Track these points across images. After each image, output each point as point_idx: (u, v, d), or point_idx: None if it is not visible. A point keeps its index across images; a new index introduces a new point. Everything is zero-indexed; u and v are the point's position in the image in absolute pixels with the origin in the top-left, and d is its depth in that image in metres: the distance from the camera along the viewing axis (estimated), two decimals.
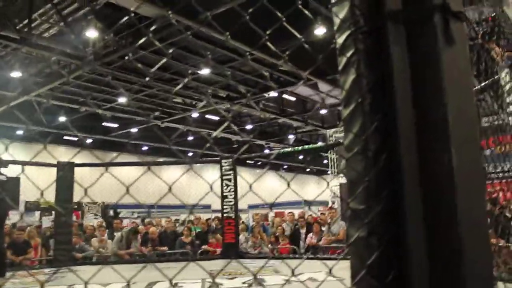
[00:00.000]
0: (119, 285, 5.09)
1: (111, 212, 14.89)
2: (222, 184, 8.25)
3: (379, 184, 0.97)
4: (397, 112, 0.96)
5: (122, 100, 17.89)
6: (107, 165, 10.36)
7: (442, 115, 0.94)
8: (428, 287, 0.93)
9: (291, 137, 24.75)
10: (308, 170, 34.25)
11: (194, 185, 21.67)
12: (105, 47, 13.18)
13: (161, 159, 25.01)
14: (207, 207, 18.77)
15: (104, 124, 20.72)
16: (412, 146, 0.97)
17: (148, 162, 19.51)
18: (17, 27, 11.55)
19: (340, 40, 1.05)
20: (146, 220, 12.38)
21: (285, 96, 19.18)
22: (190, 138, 24.11)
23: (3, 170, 6.75)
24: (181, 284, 5.10)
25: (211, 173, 22.14)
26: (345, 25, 1.04)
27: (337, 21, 1.06)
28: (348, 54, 1.03)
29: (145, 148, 24.74)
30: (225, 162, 8.27)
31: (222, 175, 8.27)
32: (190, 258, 8.30)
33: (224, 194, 8.18)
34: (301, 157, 29.94)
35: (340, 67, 1.05)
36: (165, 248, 9.00)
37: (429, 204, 0.95)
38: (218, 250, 8.72)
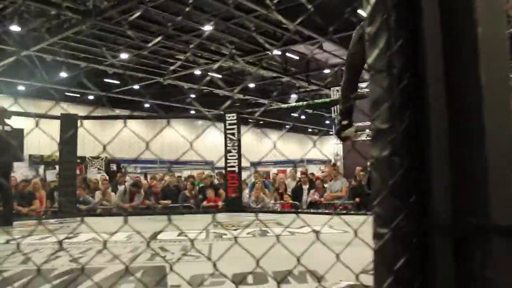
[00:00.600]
0: (125, 234, 5.18)
1: (114, 167, 15.00)
2: (225, 139, 8.27)
3: (403, 102, 0.95)
4: (423, 31, 0.93)
5: (124, 56, 17.70)
6: (111, 118, 10.36)
7: (472, 35, 0.91)
8: (450, 209, 0.92)
9: (294, 96, 24.62)
10: (310, 130, 34.24)
11: (199, 142, 21.70)
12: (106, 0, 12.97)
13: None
14: (210, 163, 18.90)
15: (106, 80, 20.58)
16: (439, 65, 0.94)
17: (151, 115, 19.45)
18: None
19: (370, 5, 1.01)
20: (150, 175, 12.47)
21: (288, 54, 18.95)
22: (193, 96, 23.99)
23: (7, 121, 6.76)
24: (186, 233, 5.16)
25: (214, 131, 22.18)
26: None
27: None
28: (378, 19, 0.99)
29: (147, 105, 24.64)
30: (229, 117, 8.26)
31: (225, 130, 8.27)
32: (195, 211, 8.42)
33: (228, 148, 8.21)
34: (303, 117, 29.89)
35: (370, 30, 1.01)
36: (168, 201, 9.11)
37: (455, 125, 0.93)
38: (220, 204, 8.82)
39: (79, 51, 17.36)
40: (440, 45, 0.96)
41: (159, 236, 5.02)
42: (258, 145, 27.67)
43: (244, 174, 15.39)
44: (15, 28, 14.15)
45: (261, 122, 31.19)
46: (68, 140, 7.97)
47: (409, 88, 0.95)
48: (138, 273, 3.19)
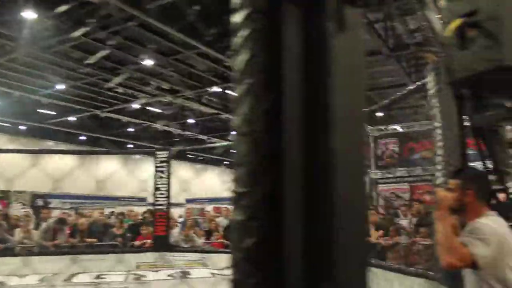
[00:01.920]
0: (37, 277, 4.90)
1: (41, 202, 14.32)
2: (155, 176, 8.13)
3: (262, 167, 0.95)
4: (284, 95, 0.95)
5: (60, 87, 17.23)
6: (32, 152, 9.94)
7: (328, 100, 0.94)
8: (302, 275, 0.93)
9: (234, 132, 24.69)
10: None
11: (131, 178, 21.21)
12: (44, 30, 12.67)
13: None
14: (143, 199, 18.44)
15: (40, 110, 19.89)
16: (298, 130, 0.96)
17: (79, 150, 18.84)
18: None
19: (237, 19, 1.03)
20: (75, 212, 12.00)
21: (228, 91, 19.13)
22: (131, 129, 23.62)
23: None
24: (104, 275, 4.96)
25: (149, 166, 21.74)
26: (241, 5, 1.02)
27: (233, 1, 1.04)
28: (243, 34, 1.01)
29: (82, 137, 23.98)
30: (160, 154, 8.15)
31: (156, 167, 8.15)
32: (120, 250, 8.12)
33: (157, 186, 8.07)
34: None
35: (234, 47, 1.03)
36: (94, 240, 8.74)
37: (309, 193, 0.95)
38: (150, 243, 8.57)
39: (13, 79, 16.75)
40: (301, 112, 0.98)
41: (74, 279, 4.80)
42: (196, 181, 27.40)
43: (180, 211, 15.16)
44: None
45: (201, 158, 31.06)
46: None
47: (270, 154, 0.96)
48: None
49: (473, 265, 2.13)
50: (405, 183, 11.35)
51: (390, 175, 11.54)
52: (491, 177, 1.49)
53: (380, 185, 11.25)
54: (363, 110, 1.01)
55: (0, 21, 12.10)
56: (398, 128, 12.79)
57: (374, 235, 7.54)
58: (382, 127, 12.14)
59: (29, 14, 11.30)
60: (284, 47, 0.97)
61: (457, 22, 1.43)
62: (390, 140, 11.79)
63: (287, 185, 0.93)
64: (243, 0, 1.02)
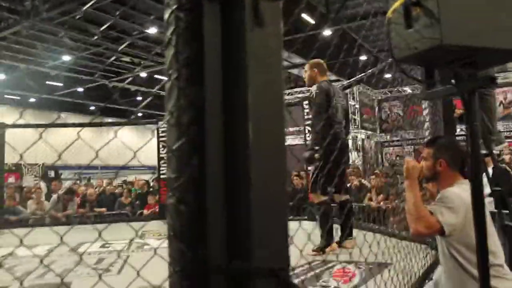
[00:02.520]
0: (46, 247, 5.11)
1: (52, 174, 14.63)
2: (158, 146, 8.28)
3: (189, 154, 1.04)
4: (205, 89, 1.03)
5: (67, 58, 17.31)
6: (41, 126, 10.13)
7: (243, 93, 1.02)
8: (225, 254, 1.03)
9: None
10: None
11: (145, 146, 21.42)
12: (46, 1, 12.68)
13: (109, 119, 24.59)
14: (153, 167, 18.67)
15: (49, 82, 20.05)
16: (219, 121, 1.04)
17: (89, 123, 19.03)
18: None
19: (165, 16, 1.10)
20: (84, 182, 12.27)
21: None
22: (139, 98, 23.75)
23: None
24: (109, 244, 5.16)
25: None
26: (169, 2, 1.09)
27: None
28: (169, 31, 1.08)
29: (92, 107, 24.18)
30: (162, 124, 8.27)
31: (158, 137, 8.28)
32: (128, 219, 8.36)
33: (161, 155, 8.21)
34: None
35: (164, 43, 1.10)
36: (103, 209, 9.00)
37: (229, 177, 1.04)
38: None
39: (19, 53, 16.86)
40: (221, 104, 1.06)
41: (80, 249, 4.99)
42: None
43: None
44: None
45: None
46: None
47: (195, 141, 1.04)
48: None
49: (441, 232, 2.22)
50: (410, 146, 11.36)
51: (395, 138, 11.55)
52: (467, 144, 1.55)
53: (385, 149, 11.28)
54: (280, 101, 1.09)
55: None
56: (408, 89, 12.68)
57: (376, 199, 7.65)
58: (386, 90, 12.08)
59: None
60: (205, 43, 1.04)
61: (401, 0, 1.48)
62: (394, 103, 11.75)
63: (208, 172, 1.02)
64: None
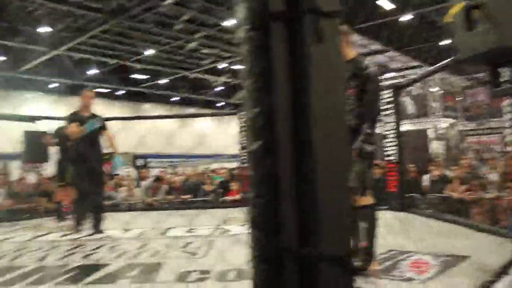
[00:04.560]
0: (138, 230, 5.57)
1: (141, 162, 15.52)
2: (240, 136, 8.57)
3: (263, 155, 1.21)
4: (276, 97, 1.20)
5: (149, 52, 18.15)
6: (137, 118, 10.80)
7: (308, 100, 1.17)
8: (296, 239, 1.20)
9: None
10: None
11: (223, 135, 22.03)
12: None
13: (191, 110, 25.50)
14: (235, 156, 19.15)
15: (133, 76, 21.15)
16: (288, 125, 1.21)
17: (176, 115, 19.88)
18: None
19: (239, 35, 1.28)
20: (171, 170, 12.92)
21: None
22: (220, 88, 24.36)
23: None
24: (195, 229, 5.50)
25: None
26: (242, 22, 1.26)
27: (237, 19, 1.28)
28: (244, 48, 1.26)
29: (175, 99, 25.15)
30: (242, 114, 8.53)
31: (240, 127, 8.56)
32: (211, 206, 8.76)
33: (243, 146, 8.50)
34: None
35: (238, 58, 1.29)
36: (188, 196, 9.50)
37: (297, 173, 1.21)
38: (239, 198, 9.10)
39: (107, 49, 17.92)
40: (290, 111, 1.22)
41: (169, 233, 5.38)
42: None
43: None
44: (45, 29, 14.80)
45: None
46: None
47: (268, 143, 1.22)
48: (137, 269, 3.54)
49: None
50: (496, 135, 10.81)
51: (480, 127, 11.02)
52: None
53: (469, 137, 10.84)
54: (341, 106, 1.23)
55: None
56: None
57: (459, 190, 7.43)
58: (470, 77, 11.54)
59: None
60: (274, 58, 1.20)
61: (461, 5, 1.55)
62: (478, 90, 11.19)
63: (281, 170, 1.20)
64: (243, 19, 1.26)
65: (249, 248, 1.27)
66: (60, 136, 6.54)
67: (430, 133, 11.20)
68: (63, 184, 6.80)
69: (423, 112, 12.39)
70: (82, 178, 5.34)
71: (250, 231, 1.25)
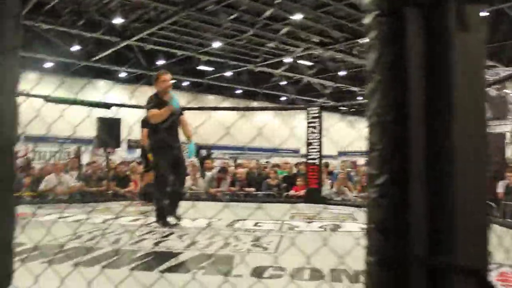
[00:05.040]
0: (205, 221, 5.58)
1: (204, 153, 15.72)
2: (307, 131, 8.45)
3: (390, 153, 1.11)
4: (408, 90, 1.09)
5: (216, 44, 18.33)
6: (206, 109, 10.96)
7: (449, 97, 1.05)
8: (426, 247, 1.08)
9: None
10: None
11: (285, 129, 21.98)
12: None
13: (254, 103, 25.59)
14: (296, 151, 19.14)
15: (198, 67, 21.44)
16: (421, 122, 1.09)
17: (242, 107, 20.02)
18: None
19: (366, 21, 1.17)
20: (236, 162, 12.98)
21: None
22: (283, 83, 24.29)
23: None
24: (261, 223, 5.46)
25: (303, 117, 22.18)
26: (370, 7, 1.16)
27: (364, 3, 1.18)
28: (372, 35, 1.15)
29: (239, 91, 25.32)
30: (312, 110, 8.42)
31: (308, 123, 8.45)
32: (276, 200, 8.71)
33: (309, 141, 8.39)
34: None
35: (365, 47, 1.18)
36: (252, 189, 9.49)
37: (431, 176, 1.09)
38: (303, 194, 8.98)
39: (175, 40, 18.26)
40: (424, 104, 1.11)
41: (236, 225, 5.36)
42: (343, 133, 27.34)
43: (335, 162, 15.43)
44: (118, 20, 15.25)
45: (353, 110, 30.80)
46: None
47: (397, 140, 1.11)
48: (209, 260, 3.52)
49: None
50: None
51: None
52: None
53: None
54: (482, 104, 1.10)
55: None
56: None
57: None
58: None
59: None
60: (408, 46, 1.09)
61: None
62: None
63: (411, 169, 1.09)
64: (371, 4, 1.15)
65: (367, 253, 1.17)
66: (144, 122, 6.60)
67: (508, 137, 10.70)
68: (147, 169, 6.97)
69: (500, 114, 11.98)
70: (165, 164, 5.28)
71: (369, 234, 1.15)
